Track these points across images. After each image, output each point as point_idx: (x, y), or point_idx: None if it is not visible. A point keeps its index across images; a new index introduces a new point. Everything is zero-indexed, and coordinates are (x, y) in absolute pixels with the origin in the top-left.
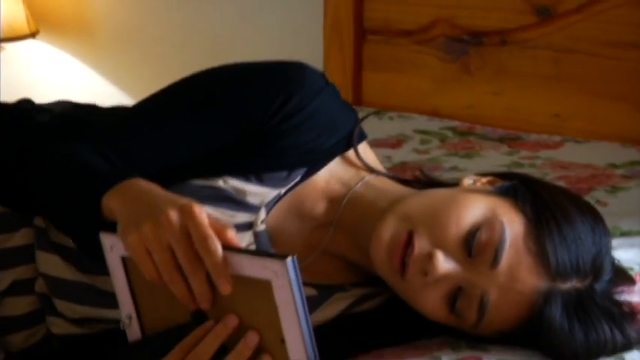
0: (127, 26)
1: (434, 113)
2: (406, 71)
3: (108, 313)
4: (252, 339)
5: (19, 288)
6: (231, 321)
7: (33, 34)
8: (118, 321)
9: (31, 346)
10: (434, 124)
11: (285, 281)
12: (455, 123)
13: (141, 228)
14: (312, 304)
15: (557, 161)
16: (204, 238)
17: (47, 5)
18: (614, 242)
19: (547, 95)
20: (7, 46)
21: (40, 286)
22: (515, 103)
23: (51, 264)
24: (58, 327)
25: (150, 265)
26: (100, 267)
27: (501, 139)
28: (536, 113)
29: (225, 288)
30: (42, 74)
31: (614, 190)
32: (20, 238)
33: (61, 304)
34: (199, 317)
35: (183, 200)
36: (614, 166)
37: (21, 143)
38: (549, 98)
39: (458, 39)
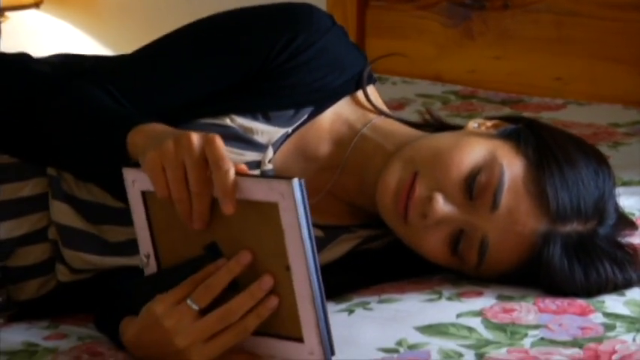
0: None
1: (437, 78)
2: (409, 37)
3: (112, 261)
4: (266, 282)
5: (33, 237)
6: (244, 258)
7: (37, 4)
8: (119, 269)
9: (42, 296)
10: (436, 89)
11: (292, 203)
12: (457, 87)
13: (162, 145)
14: (319, 244)
15: (559, 121)
16: (220, 158)
17: None
18: (616, 192)
19: (549, 59)
20: (11, 15)
21: (52, 233)
22: (518, 67)
23: (62, 213)
24: (65, 275)
25: (162, 180)
26: (106, 217)
27: (504, 102)
28: (538, 77)
29: (228, 208)
30: (44, 45)
31: (615, 145)
32: (33, 187)
33: (68, 253)
34: (212, 250)
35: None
36: (616, 125)
37: (24, 92)
38: (551, 62)
39: (460, 3)
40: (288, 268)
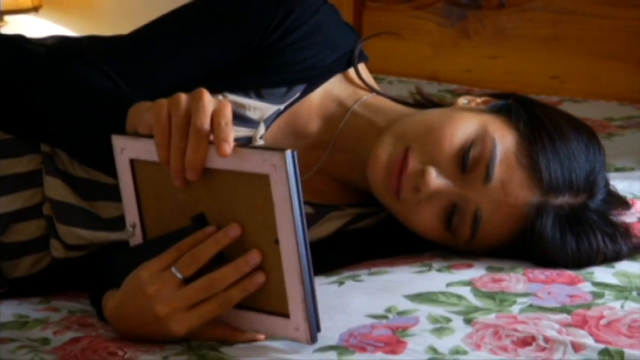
0: (129, 3)
1: (433, 78)
2: (405, 37)
3: (104, 236)
4: (254, 257)
5: (27, 213)
6: (234, 230)
7: (36, 9)
8: (113, 245)
9: (36, 273)
10: (433, 88)
11: (283, 174)
12: (454, 86)
13: (174, 95)
14: (309, 221)
15: None
16: (225, 106)
17: None
18: (609, 176)
19: (545, 57)
20: (9, 19)
21: (47, 209)
22: (514, 66)
23: (56, 189)
24: (58, 251)
25: (165, 127)
26: (100, 193)
27: None
28: (534, 75)
29: (224, 149)
30: None
31: (609, 136)
32: (26, 164)
33: (62, 229)
34: (200, 221)
35: None
36: (611, 119)
37: (18, 71)
38: (547, 60)
39: (456, 3)
40: (276, 242)
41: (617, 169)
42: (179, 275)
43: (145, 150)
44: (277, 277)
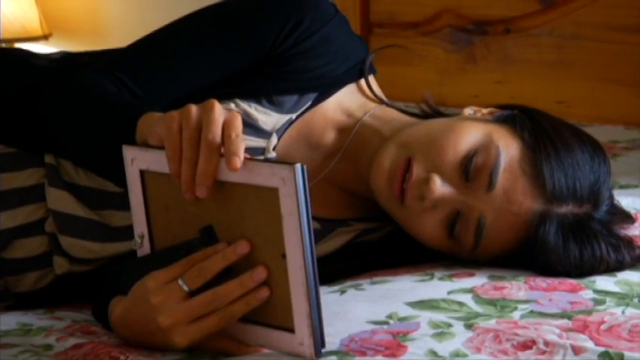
0: (139, 31)
1: (440, 103)
2: (412, 63)
3: (113, 248)
4: (259, 273)
5: (29, 229)
6: (242, 247)
7: (46, 37)
8: (119, 255)
9: (40, 289)
10: None
11: (292, 189)
12: (460, 111)
13: (184, 107)
14: (315, 237)
15: None
16: (236, 117)
17: (60, 9)
18: (614, 193)
19: (551, 82)
20: (20, 46)
21: (49, 225)
22: (520, 91)
23: (61, 200)
24: (61, 267)
25: (177, 139)
26: (107, 202)
27: None
28: (540, 100)
29: (234, 162)
30: None
31: (614, 156)
32: (28, 177)
33: (66, 241)
34: (208, 233)
35: None
36: (616, 142)
37: (24, 83)
38: (553, 85)
39: (463, 29)
40: (284, 256)
41: (622, 187)
42: (185, 287)
43: (155, 161)
44: (283, 291)
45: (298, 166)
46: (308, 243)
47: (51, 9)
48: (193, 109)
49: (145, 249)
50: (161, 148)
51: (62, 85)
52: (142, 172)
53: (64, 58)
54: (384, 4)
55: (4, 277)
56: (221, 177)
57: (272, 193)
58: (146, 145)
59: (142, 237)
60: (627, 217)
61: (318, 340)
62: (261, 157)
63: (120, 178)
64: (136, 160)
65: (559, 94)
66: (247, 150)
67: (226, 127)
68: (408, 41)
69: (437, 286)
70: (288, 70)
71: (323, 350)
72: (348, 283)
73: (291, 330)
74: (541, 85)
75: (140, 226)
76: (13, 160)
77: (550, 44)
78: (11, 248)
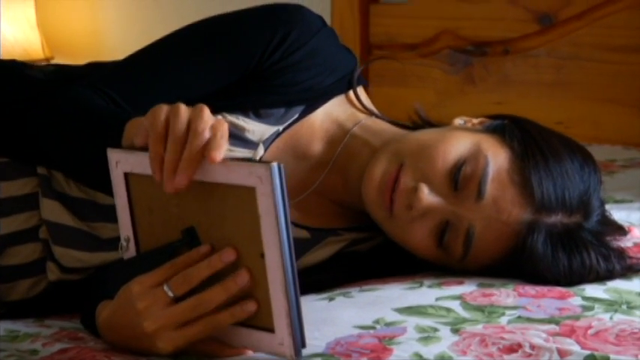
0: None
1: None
2: (411, 84)
3: (101, 257)
4: (242, 278)
5: (23, 236)
6: (228, 255)
7: (47, 59)
8: (108, 263)
9: (31, 298)
10: None
11: (269, 188)
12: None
13: (174, 105)
14: (305, 246)
15: None
16: (223, 122)
17: (62, 31)
18: (608, 207)
19: (550, 103)
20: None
21: (43, 232)
22: (519, 111)
23: (53, 211)
24: (53, 273)
25: (162, 128)
26: (98, 214)
27: None
28: (539, 121)
29: (214, 155)
30: None
31: (611, 173)
32: (22, 186)
33: (59, 251)
34: (190, 234)
35: None
36: (614, 160)
37: (16, 94)
38: (552, 106)
39: (462, 50)
40: (262, 256)
41: (617, 201)
42: (170, 293)
43: (139, 163)
44: (263, 292)
45: (275, 164)
46: (286, 242)
47: (52, 32)
48: (182, 106)
49: (130, 252)
50: (145, 150)
51: (51, 98)
52: (127, 175)
53: (57, 70)
54: (384, 26)
55: None
56: (202, 177)
57: (250, 193)
58: (130, 147)
59: (127, 240)
60: (619, 229)
61: (298, 339)
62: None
63: (107, 187)
64: (120, 162)
65: (558, 115)
66: (233, 159)
67: (213, 127)
68: (406, 62)
69: (425, 293)
70: (276, 84)
71: (305, 351)
72: (337, 291)
73: (272, 330)
74: (540, 106)
75: (126, 229)
76: (6, 170)
77: (549, 65)
78: (5, 255)
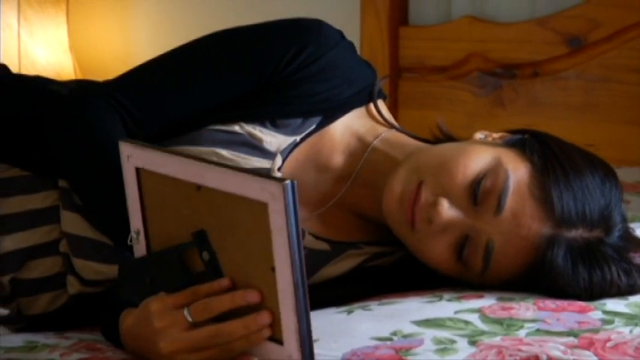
0: None
1: None
2: (440, 107)
3: None
4: (263, 318)
5: (43, 249)
6: (252, 296)
7: None
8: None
9: (52, 312)
10: None
11: (281, 205)
12: None
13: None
14: (325, 258)
15: None
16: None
17: (94, 55)
18: (634, 225)
19: (579, 125)
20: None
21: (63, 246)
22: None
23: (73, 223)
24: (73, 287)
25: None
26: None
27: None
28: None
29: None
30: None
31: (638, 193)
32: (43, 200)
33: (79, 263)
34: (200, 238)
35: None
36: None
37: (39, 109)
38: (581, 128)
39: (491, 73)
40: (273, 270)
41: None
42: (189, 318)
43: (150, 161)
44: (273, 304)
45: (288, 182)
46: (297, 259)
47: (84, 54)
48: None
49: (140, 246)
50: (157, 147)
51: (68, 117)
52: (138, 170)
53: (81, 86)
54: (413, 49)
55: (17, 298)
56: (216, 185)
57: (262, 207)
58: (142, 143)
59: (137, 233)
60: None
61: (307, 354)
62: (258, 169)
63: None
64: (132, 157)
65: (587, 137)
66: (252, 170)
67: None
68: (435, 85)
69: (444, 307)
70: (293, 95)
71: (318, 358)
72: (357, 304)
73: (281, 342)
74: (569, 129)
75: (136, 222)
76: (28, 183)
77: (578, 87)
78: (26, 269)
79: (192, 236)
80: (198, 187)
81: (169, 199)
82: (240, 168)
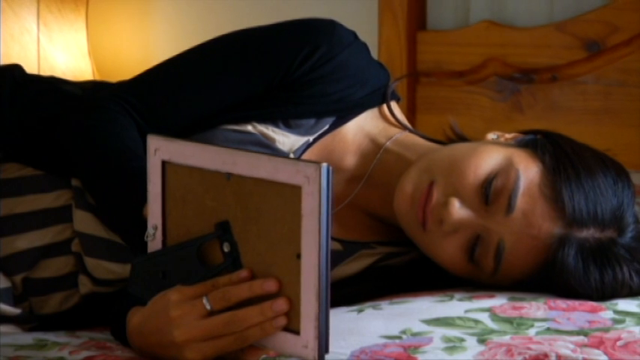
0: None
1: None
2: (458, 112)
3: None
4: (280, 304)
5: (56, 249)
6: (270, 285)
7: None
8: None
9: (65, 310)
10: None
11: (316, 187)
12: None
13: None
14: (337, 258)
15: None
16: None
17: (113, 59)
18: None
19: (598, 130)
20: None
21: (75, 245)
22: None
23: (86, 222)
24: (85, 286)
25: None
26: None
27: None
28: None
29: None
30: None
31: None
32: (56, 199)
33: (90, 262)
34: (223, 228)
35: None
36: None
37: (52, 109)
38: (600, 133)
39: (509, 77)
40: (298, 256)
41: None
42: (208, 306)
43: (178, 152)
44: (293, 292)
45: (324, 165)
46: (325, 244)
47: (103, 59)
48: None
49: (156, 242)
50: (186, 140)
51: (80, 119)
52: (164, 163)
53: (95, 86)
54: (431, 54)
55: (29, 297)
56: (246, 172)
57: (294, 191)
58: (171, 136)
59: (155, 229)
60: None
61: (323, 344)
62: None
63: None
64: (159, 150)
65: (605, 142)
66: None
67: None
68: (453, 89)
69: (455, 306)
70: (306, 95)
71: (329, 358)
72: (368, 303)
73: (297, 332)
74: (588, 133)
75: (155, 217)
76: (40, 183)
77: (597, 92)
78: (38, 268)
79: (214, 227)
80: (228, 176)
81: (194, 191)
82: (273, 153)
